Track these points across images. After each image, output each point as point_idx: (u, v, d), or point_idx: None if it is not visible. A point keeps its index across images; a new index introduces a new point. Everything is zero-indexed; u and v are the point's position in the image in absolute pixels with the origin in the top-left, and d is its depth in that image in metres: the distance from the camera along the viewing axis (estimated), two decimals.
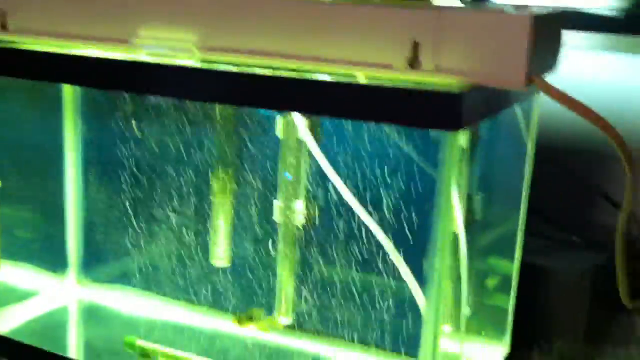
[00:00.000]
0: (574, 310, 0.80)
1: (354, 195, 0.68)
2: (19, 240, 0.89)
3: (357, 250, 0.72)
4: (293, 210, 0.76)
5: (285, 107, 0.63)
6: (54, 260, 0.91)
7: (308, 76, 0.59)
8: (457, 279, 0.67)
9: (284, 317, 0.79)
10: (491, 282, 0.80)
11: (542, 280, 0.81)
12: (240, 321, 0.76)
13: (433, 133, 0.57)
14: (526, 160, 0.79)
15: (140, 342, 0.75)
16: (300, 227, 0.76)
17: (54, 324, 0.87)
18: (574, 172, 0.98)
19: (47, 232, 0.91)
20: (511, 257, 0.80)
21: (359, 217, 0.70)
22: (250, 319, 0.75)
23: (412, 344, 0.71)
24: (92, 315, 0.89)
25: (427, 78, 0.55)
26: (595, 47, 0.96)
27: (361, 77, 0.59)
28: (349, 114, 0.56)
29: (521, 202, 0.80)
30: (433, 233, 0.59)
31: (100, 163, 0.87)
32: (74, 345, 0.82)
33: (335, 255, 0.75)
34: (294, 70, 0.60)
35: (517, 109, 0.75)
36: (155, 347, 0.75)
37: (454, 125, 0.52)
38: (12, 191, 0.86)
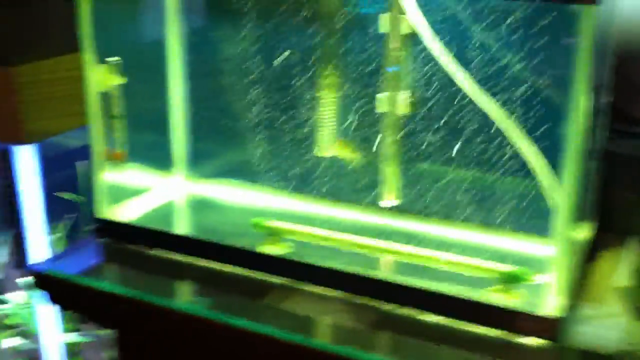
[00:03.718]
0: None
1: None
2: (136, 142, 0.96)
3: (471, 137, 0.81)
4: (397, 101, 0.84)
5: None
6: (164, 159, 0.99)
7: None
8: None
9: (388, 201, 0.88)
10: None
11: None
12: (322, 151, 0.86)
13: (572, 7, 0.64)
14: None
15: (268, 222, 0.84)
16: (404, 116, 0.84)
17: (172, 213, 0.95)
18: None
19: (158, 133, 0.98)
20: None
21: (471, 104, 0.78)
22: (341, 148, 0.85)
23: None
24: (207, 205, 0.97)
25: None
26: None
27: None
28: None
29: None
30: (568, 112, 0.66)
31: (206, 59, 0.93)
32: (199, 229, 0.91)
33: (440, 142, 0.84)
34: None
35: None
36: (283, 226, 0.84)
37: None
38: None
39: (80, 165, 1.16)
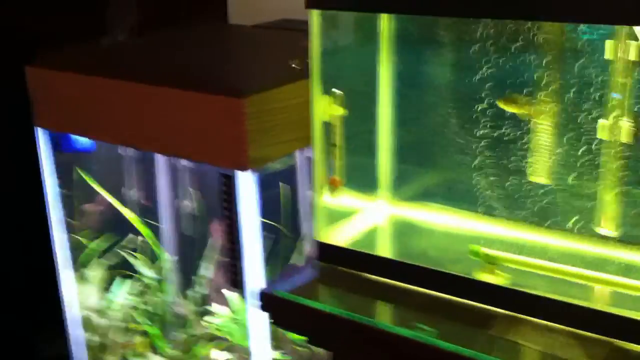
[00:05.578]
0: None
1: None
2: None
3: None
4: (619, 127, 0.81)
5: None
6: (367, 183, 1.02)
7: None
8: None
9: (605, 230, 0.85)
10: None
11: None
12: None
13: None
14: None
15: (486, 250, 0.84)
16: (625, 144, 0.81)
17: (381, 237, 0.98)
18: None
19: (361, 160, 1.02)
20: None
21: None
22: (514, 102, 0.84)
23: None
24: (413, 229, 0.99)
25: None
26: None
27: None
28: None
29: None
30: None
31: (412, 88, 0.95)
32: (409, 253, 0.93)
33: None
34: None
35: None
36: (502, 255, 0.83)
37: None
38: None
39: (283, 188, 1.22)
